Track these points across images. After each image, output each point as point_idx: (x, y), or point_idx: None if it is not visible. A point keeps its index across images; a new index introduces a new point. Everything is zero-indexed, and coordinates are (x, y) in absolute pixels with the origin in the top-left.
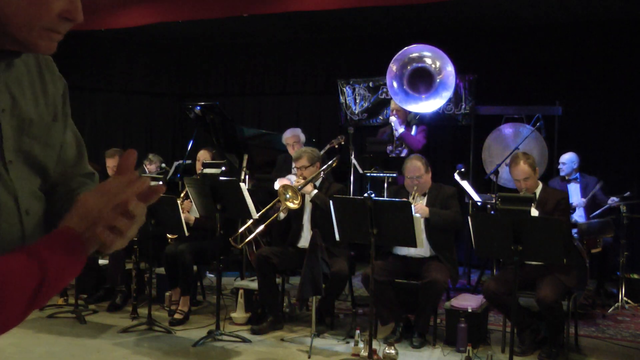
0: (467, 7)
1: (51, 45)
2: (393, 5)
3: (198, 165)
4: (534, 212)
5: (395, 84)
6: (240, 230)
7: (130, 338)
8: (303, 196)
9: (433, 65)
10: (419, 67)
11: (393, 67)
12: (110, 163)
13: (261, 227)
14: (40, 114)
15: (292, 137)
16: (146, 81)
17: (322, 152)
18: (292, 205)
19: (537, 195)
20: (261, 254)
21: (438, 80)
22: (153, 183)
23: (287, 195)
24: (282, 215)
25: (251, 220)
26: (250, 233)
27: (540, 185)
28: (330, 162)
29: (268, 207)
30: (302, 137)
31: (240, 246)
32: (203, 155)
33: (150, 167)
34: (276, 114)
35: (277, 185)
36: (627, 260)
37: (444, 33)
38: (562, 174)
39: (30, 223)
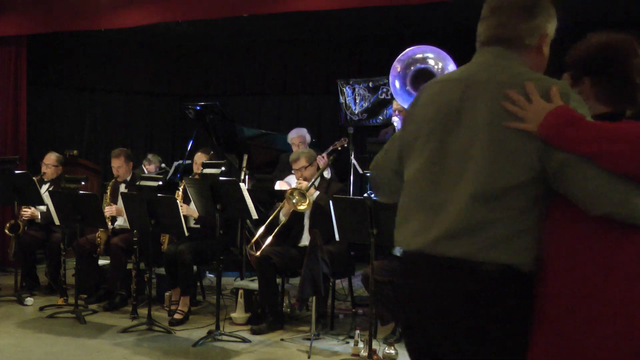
0: (467, 7)
1: None
2: (393, 5)
3: (195, 167)
4: None
5: (397, 84)
6: (255, 237)
7: (130, 338)
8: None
9: (436, 67)
10: (422, 68)
11: (397, 66)
12: (116, 163)
13: (270, 238)
14: None
15: (298, 138)
16: (146, 81)
17: (324, 154)
18: (303, 207)
19: None
20: (262, 253)
21: None
22: (152, 183)
23: (295, 200)
24: (283, 218)
25: (262, 229)
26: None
27: None
28: (328, 162)
29: (276, 211)
30: (308, 138)
31: (258, 253)
32: (200, 158)
33: (149, 167)
34: (276, 114)
35: (278, 186)
36: None
37: (444, 33)
38: None
39: None
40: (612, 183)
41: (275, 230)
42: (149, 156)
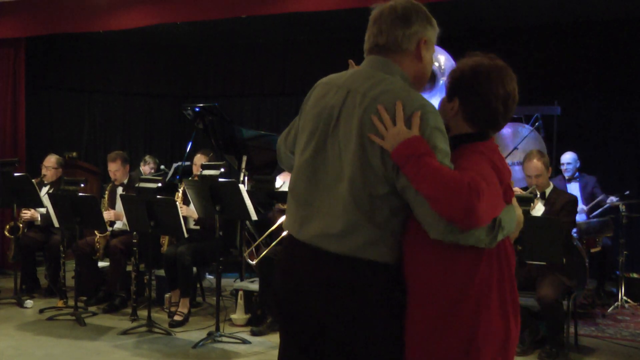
0: (467, 8)
1: None
2: None
3: (195, 169)
4: (542, 209)
5: None
6: (255, 245)
7: (130, 340)
8: None
9: (437, 64)
10: None
11: None
12: (112, 167)
13: (272, 246)
14: None
15: None
16: (145, 82)
17: None
18: None
19: (547, 195)
20: (264, 254)
21: (442, 82)
22: (151, 185)
23: None
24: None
25: (264, 235)
26: (265, 245)
27: (552, 186)
28: None
29: (278, 224)
30: None
31: (255, 262)
32: (199, 159)
33: (144, 168)
34: (275, 115)
35: (279, 181)
36: (627, 260)
37: (443, 33)
38: (567, 174)
39: None
40: (435, 219)
41: (277, 239)
42: (146, 157)
